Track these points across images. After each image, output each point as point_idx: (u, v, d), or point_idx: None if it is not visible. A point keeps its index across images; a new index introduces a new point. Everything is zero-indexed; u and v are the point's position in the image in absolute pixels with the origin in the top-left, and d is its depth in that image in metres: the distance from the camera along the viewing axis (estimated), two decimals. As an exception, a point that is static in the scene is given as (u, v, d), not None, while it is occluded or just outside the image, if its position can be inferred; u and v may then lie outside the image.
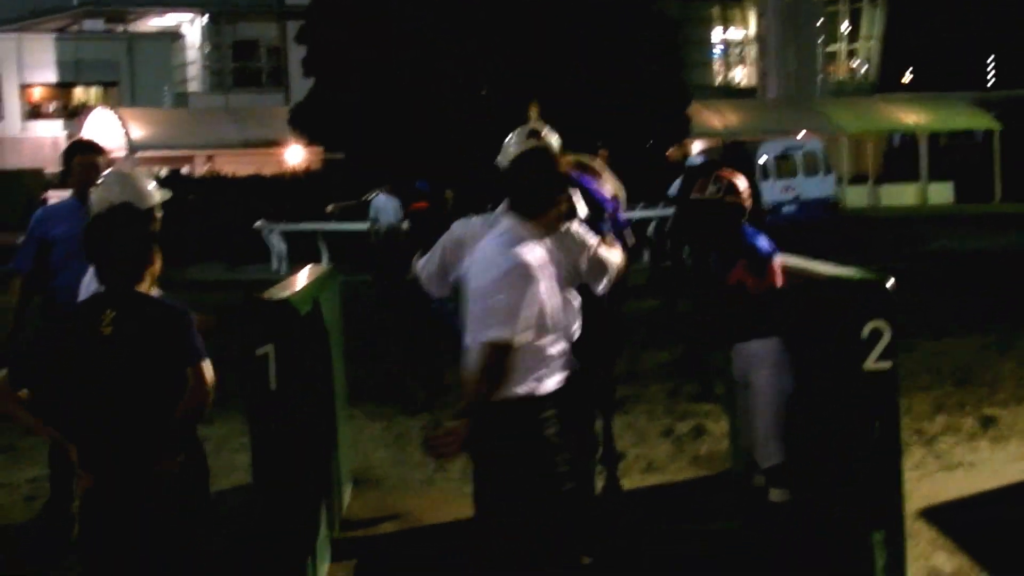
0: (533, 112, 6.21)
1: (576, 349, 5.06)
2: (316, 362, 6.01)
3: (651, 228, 22.91)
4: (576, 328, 5.10)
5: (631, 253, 6.34)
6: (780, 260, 6.61)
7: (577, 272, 5.17)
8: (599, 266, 5.27)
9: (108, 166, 6.64)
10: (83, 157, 6.86)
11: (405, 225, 17.64)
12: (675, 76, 34.90)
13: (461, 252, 5.11)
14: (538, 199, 4.73)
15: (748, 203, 6.72)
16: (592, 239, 5.28)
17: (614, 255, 5.39)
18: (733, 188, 6.65)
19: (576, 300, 5.15)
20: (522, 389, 4.55)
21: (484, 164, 6.42)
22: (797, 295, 6.52)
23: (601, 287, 5.33)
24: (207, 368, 4.51)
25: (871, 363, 5.54)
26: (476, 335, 4.53)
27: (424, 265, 5.35)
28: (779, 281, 6.54)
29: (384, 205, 19.27)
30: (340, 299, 7.60)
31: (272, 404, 5.29)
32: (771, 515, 6.47)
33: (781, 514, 6.44)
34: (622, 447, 8.26)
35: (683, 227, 6.80)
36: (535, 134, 5.30)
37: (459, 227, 5.28)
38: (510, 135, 5.38)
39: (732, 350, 6.72)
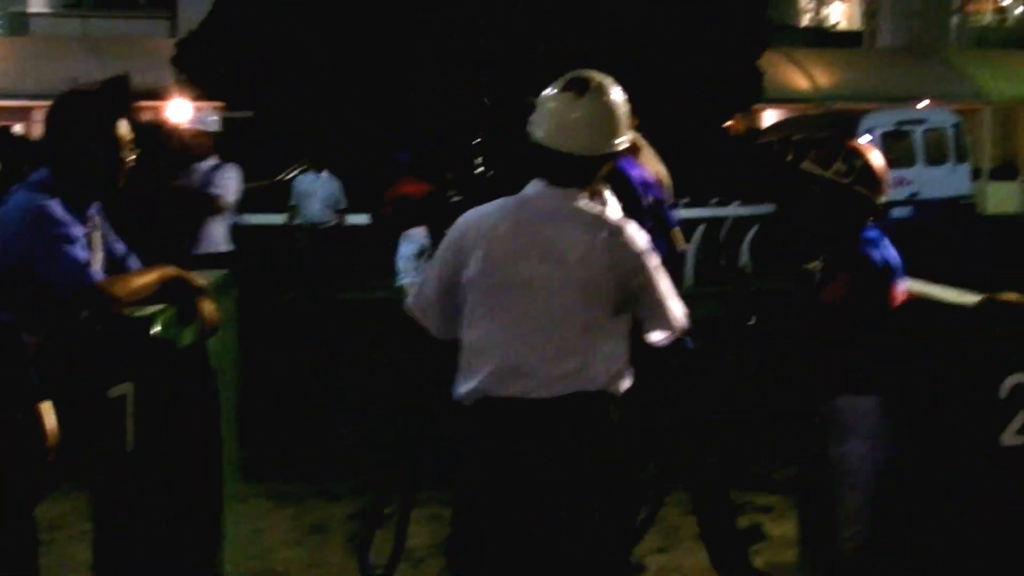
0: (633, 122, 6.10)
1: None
2: (197, 413, 5.99)
3: (722, 234, 22.76)
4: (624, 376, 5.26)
5: (677, 263, 6.39)
6: (904, 286, 6.60)
7: (624, 294, 5.20)
8: (658, 312, 5.32)
9: None
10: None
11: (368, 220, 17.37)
12: (754, 13, 34.94)
13: (463, 258, 5.17)
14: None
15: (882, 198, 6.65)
16: (654, 259, 5.30)
17: (679, 306, 5.43)
18: (869, 174, 6.58)
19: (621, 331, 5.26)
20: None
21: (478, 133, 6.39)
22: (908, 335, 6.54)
23: (657, 338, 5.37)
24: (47, 411, 4.50)
25: (1011, 436, 5.56)
26: None
27: (418, 295, 5.36)
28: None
29: (309, 188, 18.71)
30: (237, 320, 7.56)
31: (128, 472, 5.28)
32: None
33: None
34: (646, 549, 8.24)
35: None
36: (579, 84, 5.23)
37: (461, 224, 5.27)
38: (545, 91, 5.35)
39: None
